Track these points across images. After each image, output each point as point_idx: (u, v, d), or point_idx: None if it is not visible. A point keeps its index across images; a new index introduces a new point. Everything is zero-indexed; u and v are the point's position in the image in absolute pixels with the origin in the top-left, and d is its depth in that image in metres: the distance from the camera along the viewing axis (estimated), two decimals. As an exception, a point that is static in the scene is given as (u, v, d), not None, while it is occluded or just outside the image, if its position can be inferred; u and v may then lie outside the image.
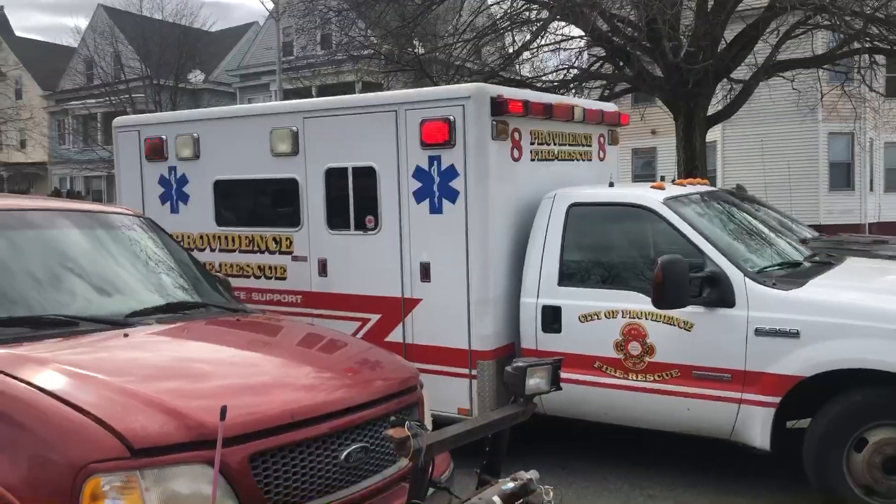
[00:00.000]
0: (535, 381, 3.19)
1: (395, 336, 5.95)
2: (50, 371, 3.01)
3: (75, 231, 4.23)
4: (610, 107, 7.07)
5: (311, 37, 25.08)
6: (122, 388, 2.92)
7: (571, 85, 16.73)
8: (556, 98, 6.53)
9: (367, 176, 6.05)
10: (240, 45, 39.75)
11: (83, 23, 54.71)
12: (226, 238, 6.79)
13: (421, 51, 19.30)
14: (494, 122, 5.57)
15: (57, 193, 38.39)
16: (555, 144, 6.27)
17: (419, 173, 5.80)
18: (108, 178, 37.68)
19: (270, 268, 6.59)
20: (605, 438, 6.13)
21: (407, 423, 2.60)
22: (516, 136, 5.81)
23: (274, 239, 6.56)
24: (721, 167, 24.75)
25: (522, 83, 16.12)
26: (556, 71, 18.41)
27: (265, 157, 6.50)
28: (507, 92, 5.79)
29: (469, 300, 5.63)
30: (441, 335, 5.77)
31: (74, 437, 2.69)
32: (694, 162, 15.17)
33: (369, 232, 6.06)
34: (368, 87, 27.98)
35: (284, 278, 6.52)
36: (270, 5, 24.22)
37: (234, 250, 6.74)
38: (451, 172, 5.64)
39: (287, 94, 27.92)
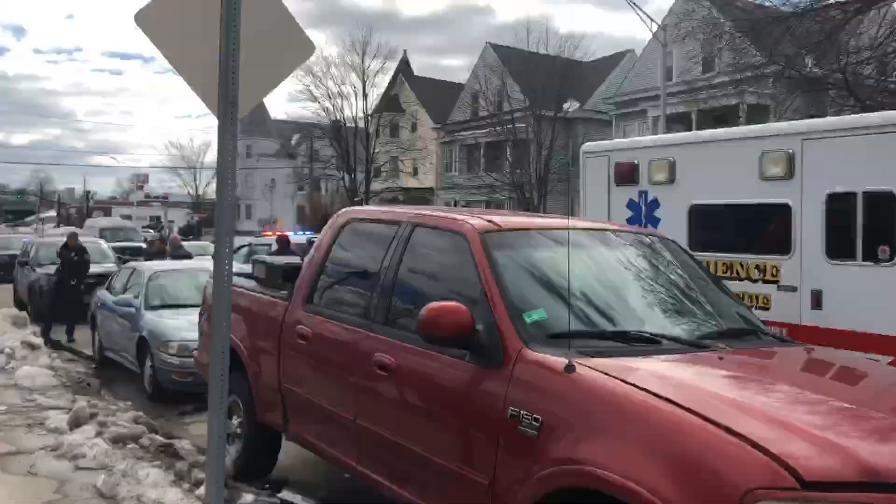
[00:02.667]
0: None
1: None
2: (680, 388, 3.04)
3: (631, 250, 4.40)
4: None
5: (698, 60, 24.58)
6: (766, 416, 2.84)
7: None
8: None
9: (881, 201, 5.49)
10: (615, 73, 40.41)
11: (471, 61, 59.98)
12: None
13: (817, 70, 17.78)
14: None
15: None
16: None
17: (960, 199, 5.10)
18: (488, 202, 40.74)
19: (751, 296, 6.31)
20: None
21: None
22: None
23: (757, 266, 6.27)
24: None
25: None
26: None
27: (751, 182, 6.26)
28: None
29: None
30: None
31: (735, 461, 2.64)
32: None
33: (883, 263, 5.48)
34: (753, 111, 26.54)
35: (767, 308, 6.18)
36: (655, 28, 24.13)
37: (710, 276, 6.59)
38: None
39: (668, 121, 27.60)
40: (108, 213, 47.85)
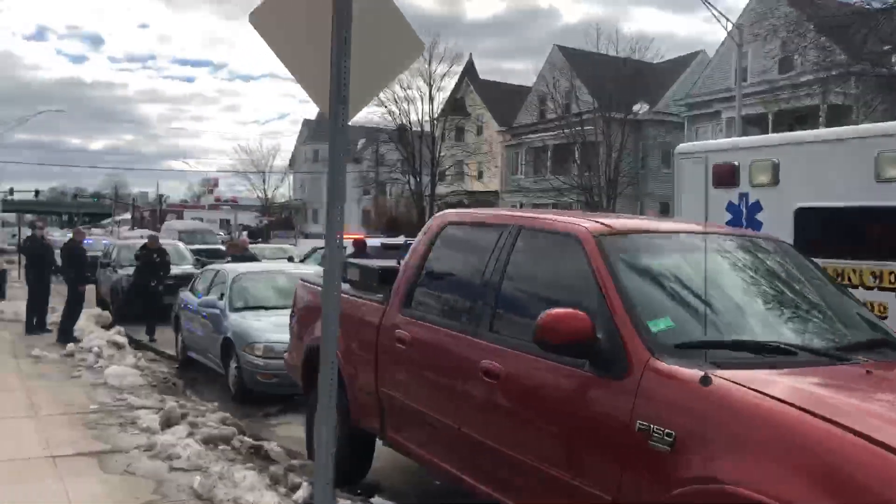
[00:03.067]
0: None
1: None
2: (831, 403, 2.81)
3: (749, 255, 4.17)
4: None
5: (777, 59, 23.84)
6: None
7: None
8: None
9: None
10: (686, 74, 39.53)
11: (535, 64, 59.44)
12: (808, 269, 6.34)
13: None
14: None
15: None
16: None
17: None
18: (555, 205, 40.33)
19: (865, 304, 5.93)
20: None
21: None
22: None
23: (872, 273, 5.92)
24: None
25: None
26: None
27: (865, 183, 5.92)
28: None
29: None
30: None
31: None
32: None
33: None
34: (833, 112, 25.55)
35: (885, 317, 5.82)
36: (730, 27, 23.43)
37: (818, 283, 6.26)
38: None
39: (743, 122, 26.82)
40: (180, 216, 49.08)
